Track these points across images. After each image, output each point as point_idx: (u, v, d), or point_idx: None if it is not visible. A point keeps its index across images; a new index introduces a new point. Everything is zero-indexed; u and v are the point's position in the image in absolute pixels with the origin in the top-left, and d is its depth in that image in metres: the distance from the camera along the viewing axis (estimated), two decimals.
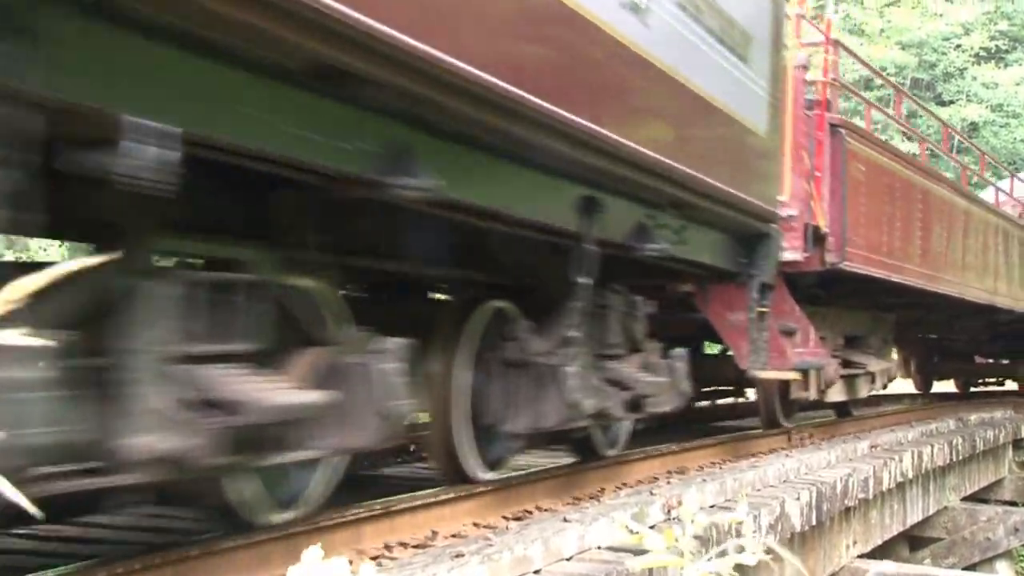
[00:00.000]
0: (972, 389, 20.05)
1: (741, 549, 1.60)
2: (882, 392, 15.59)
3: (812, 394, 9.07)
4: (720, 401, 12.92)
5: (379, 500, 4.29)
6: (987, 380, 20.33)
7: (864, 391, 10.90)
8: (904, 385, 19.96)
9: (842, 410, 11.30)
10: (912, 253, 10.67)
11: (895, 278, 10.00)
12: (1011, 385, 19.62)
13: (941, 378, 19.70)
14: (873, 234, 9.53)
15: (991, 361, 19.71)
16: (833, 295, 9.92)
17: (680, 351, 6.26)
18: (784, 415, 9.39)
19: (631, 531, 1.51)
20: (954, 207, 12.49)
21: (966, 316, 14.63)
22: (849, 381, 10.35)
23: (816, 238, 8.30)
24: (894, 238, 10.12)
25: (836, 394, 9.91)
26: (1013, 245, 15.21)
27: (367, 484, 5.67)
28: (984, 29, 38.04)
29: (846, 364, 10.23)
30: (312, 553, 1.33)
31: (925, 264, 11.02)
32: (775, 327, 7.18)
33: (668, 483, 5.84)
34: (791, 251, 7.74)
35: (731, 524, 4.74)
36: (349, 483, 5.83)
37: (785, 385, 8.91)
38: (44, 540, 4.23)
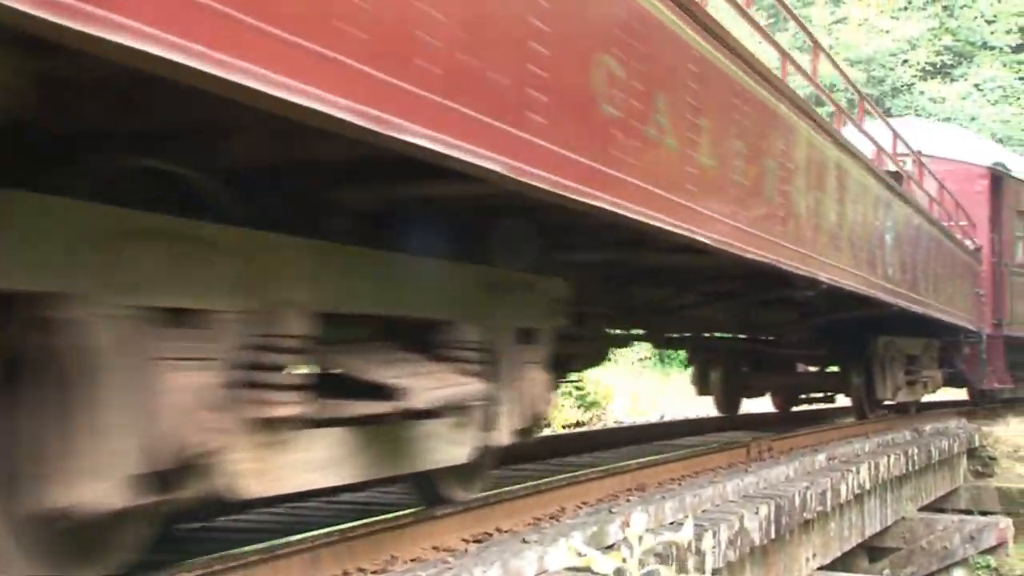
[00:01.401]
0: (794, 408, 15.31)
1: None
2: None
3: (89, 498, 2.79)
4: None
5: (337, 526, 4.26)
6: (813, 395, 14.98)
7: (439, 454, 4.49)
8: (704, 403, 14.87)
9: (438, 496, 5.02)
10: (593, 127, 4.13)
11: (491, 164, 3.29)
12: (843, 400, 14.44)
13: (754, 394, 14.77)
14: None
15: (816, 369, 14.56)
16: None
17: None
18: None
19: (579, 554, 1.51)
20: (713, 72, 5.56)
21: (744, 291, 8.54)
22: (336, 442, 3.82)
23: None
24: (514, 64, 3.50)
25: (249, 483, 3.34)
26: (837, 183, 8.30)
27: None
28: (929, 45, 38.70)
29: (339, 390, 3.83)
30: None
31: (626, 158, 4.39)
32: None
33: (628, 501, 5.84)
34: None
35: (688, 542, 4.76)
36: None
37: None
38: None
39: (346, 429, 3.84)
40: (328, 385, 3.75)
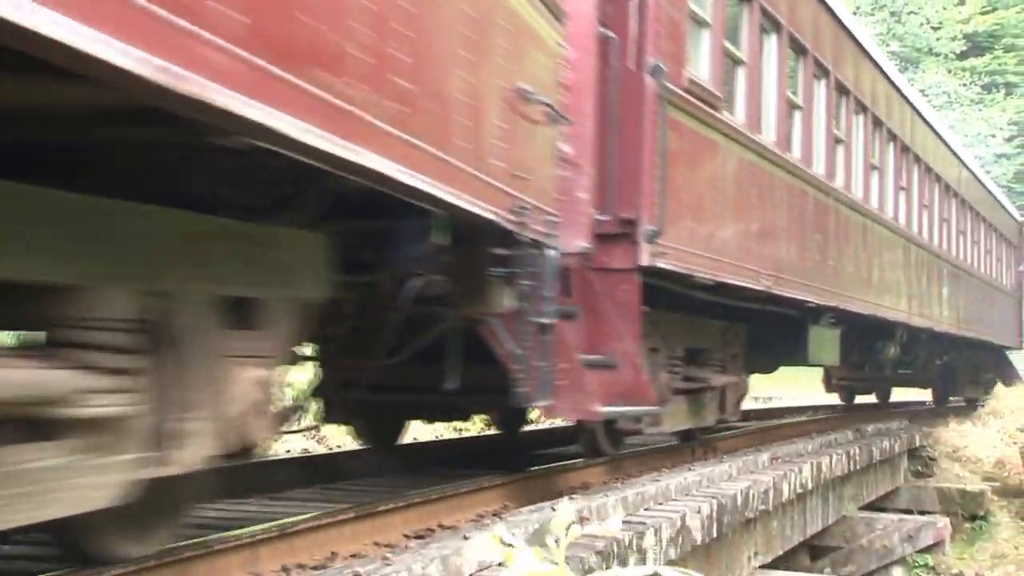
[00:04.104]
0: None
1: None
2: None
3: None
4: None
5: (277, 522, 4.22)
6: None
7: None
8: None
9: None
10: None
11: None
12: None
13: None
14: None
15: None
16: None
17: None
18: None
19: (503, 543, 1.50)
20: None
21: None
22: None
23: None
24: None
25: None
26: None
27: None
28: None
29: None
30: None
31: None
32: None
33: (571, 499, 5.85)
34: None
35: (631, 539, 4.78)
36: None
37: None
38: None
39: None
40: None
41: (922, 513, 12.68)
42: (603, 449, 7.42)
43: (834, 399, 19.54)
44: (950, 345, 18.14)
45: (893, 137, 13.90)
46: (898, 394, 20.93)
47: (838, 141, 11.43)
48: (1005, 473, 13.94)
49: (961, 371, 19.99)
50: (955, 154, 18.21)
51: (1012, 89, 44.84)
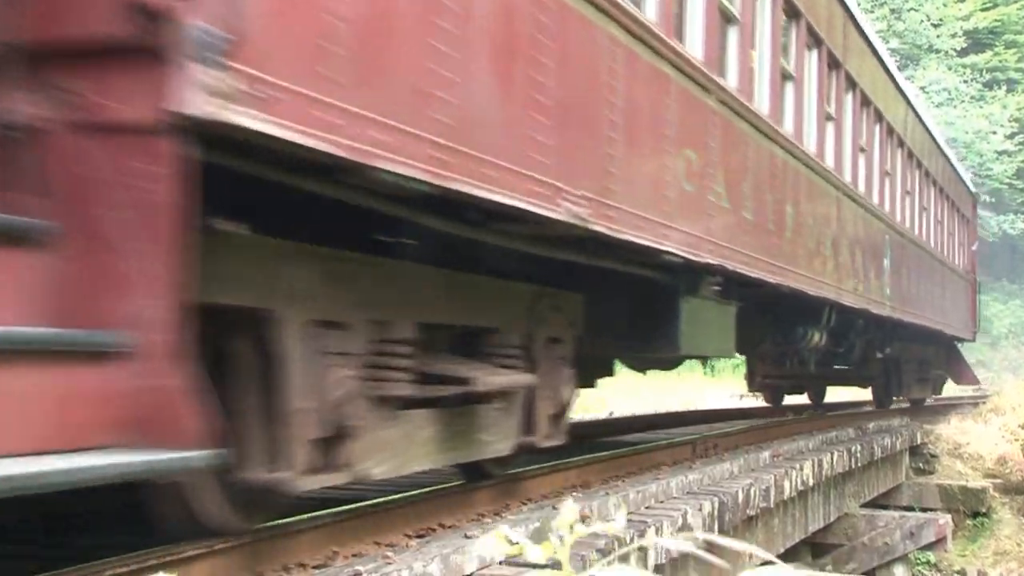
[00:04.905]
0: None
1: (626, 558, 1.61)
2: None
3: None
4: None
5: (278, 521, 4.21)
6: None
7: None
8: None
9: None
10: None
11: None
12: None
13: None
14: None
15: None
16: None
17: None
18: None
19: (510, 542, 1.49)
20: None
21: None
22: None
23: None
24: None
25: None
26: None
27: None
28: None
29: None
30: None
31: None
32: None
33: (572, 497, 5.85)
34: None
35: (633, 536, 4.78)
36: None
37: None
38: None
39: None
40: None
41: (924, 510, 12.69)
42: (223, 524, 3.75)
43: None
44: (892, 334, 14.63)
45: (818, 41, 9.87)
46: (833, 394, 18.14)
47: (729, 20, 7.44)
48: (1007, 470, 13.93)
49: (906, 367, 16.82)
50: (901, 91, 14.16)
51: (1013, 86, 44.92)
